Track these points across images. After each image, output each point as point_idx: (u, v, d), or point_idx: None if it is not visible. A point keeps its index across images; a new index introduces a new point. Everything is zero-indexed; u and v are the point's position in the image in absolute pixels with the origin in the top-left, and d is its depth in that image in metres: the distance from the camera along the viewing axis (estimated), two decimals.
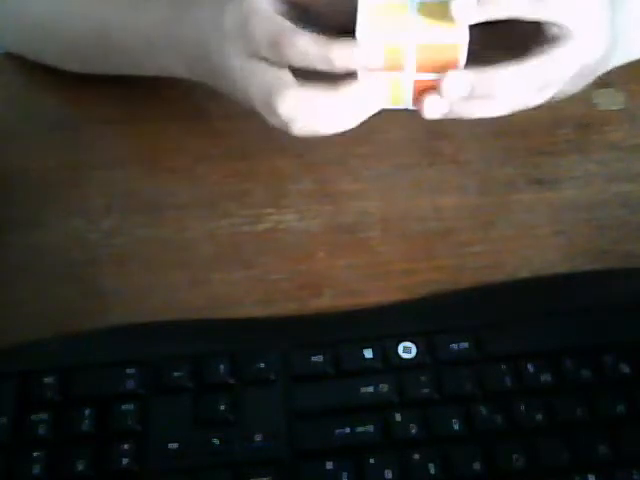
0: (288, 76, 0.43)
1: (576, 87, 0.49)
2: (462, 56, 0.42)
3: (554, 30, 0.44)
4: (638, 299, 0.47)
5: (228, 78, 0.46)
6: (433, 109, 0.43)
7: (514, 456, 0.41)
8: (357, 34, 0.42)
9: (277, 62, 0.43)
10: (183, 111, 0.54)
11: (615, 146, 0.56)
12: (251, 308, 0.48)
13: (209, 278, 0.50)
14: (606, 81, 0.51)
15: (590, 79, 0.49)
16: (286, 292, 0.49)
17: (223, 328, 0.47)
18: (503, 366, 0.44)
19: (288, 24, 0.43)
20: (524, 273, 0.50)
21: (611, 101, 0.58)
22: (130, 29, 0.52)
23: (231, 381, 0.43)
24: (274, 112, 0.43)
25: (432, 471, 0.41)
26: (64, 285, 0.49)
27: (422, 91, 0.43)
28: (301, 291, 0.49)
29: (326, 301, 0.49)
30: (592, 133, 0.53)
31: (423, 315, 0.47)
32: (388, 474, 0.40)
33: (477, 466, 0.41)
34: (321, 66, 0.42)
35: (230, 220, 0.53)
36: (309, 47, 0.42)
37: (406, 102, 0.44)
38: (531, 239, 0.52)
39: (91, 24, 0.54)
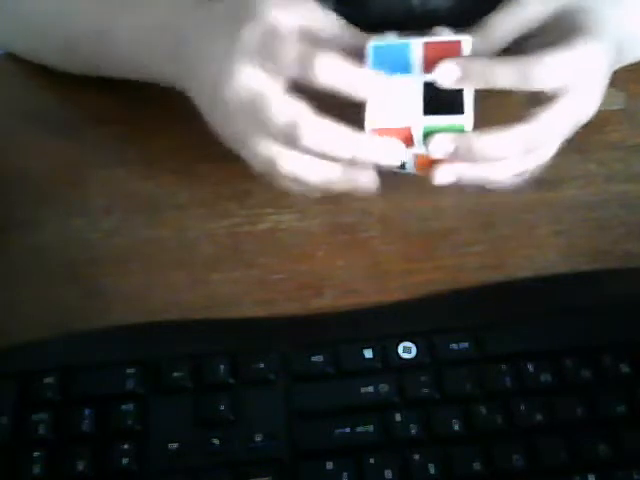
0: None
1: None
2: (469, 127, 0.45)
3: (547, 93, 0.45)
4: (638, 299, 0.47)
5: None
6: (443, 177, 0.47)
7: (514, 456, 0.41)
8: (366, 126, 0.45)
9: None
10: (183, 111, 0.54)
11: (615, 146, 0.56)
12: (251, 308, 0.48)
13: (209, 278, 0.50)
14: None
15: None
16: (286, 292, 0.49)
17: (223, 328, 0.47)
18: (503, 366, 0.44)
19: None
20: (524, 273, 0.50)
21: (611, 101, 0.58)
22: (130, 31, 0.52)
23: (231, 381, 0.43)
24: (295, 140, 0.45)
25: (432, 471, 0.41)
26: (64, 285, 0.49)
27: (424, 162, 0.47)
28: (301, 291, 0.49)
29: (326, 301, 0.49)
30: (592, 133, 0.53)
31: (423, 315, 0.47)
32: (388, 474, 0.40)
33: (477, 466, 0.41)
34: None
35: (230, 220, 0.53)
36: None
37: (409, 169, 0.48)
38: (531, 239, 0.52)
39: (91, 25, 0.53)
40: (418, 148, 0.46)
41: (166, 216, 0.53)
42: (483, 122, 0.45)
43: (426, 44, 0.45)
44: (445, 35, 0.45)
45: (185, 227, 0.52)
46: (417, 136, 0.45)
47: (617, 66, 0.51)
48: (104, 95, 0.58)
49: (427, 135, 0.45)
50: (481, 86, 0.44)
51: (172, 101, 0.55)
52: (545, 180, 0.54)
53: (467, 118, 0.44)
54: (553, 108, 0.45)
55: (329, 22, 0.46)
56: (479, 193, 0.54)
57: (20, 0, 0.57)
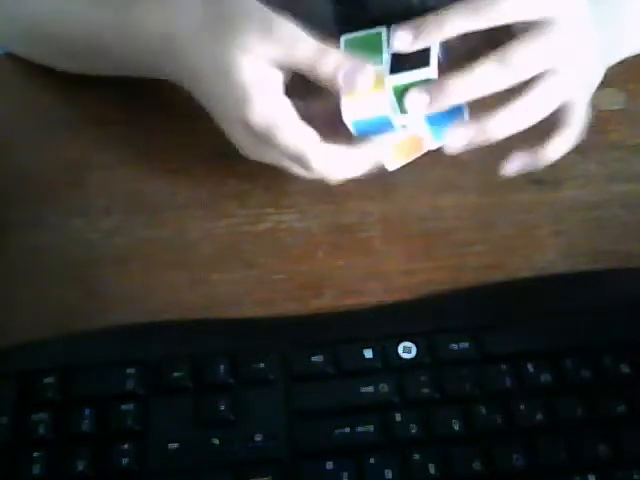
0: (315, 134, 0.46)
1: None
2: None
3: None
4: (638, 299, 0.47)
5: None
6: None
7: (514, 456, 0.41)
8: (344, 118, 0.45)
9: None
10: (183, 111, 0.54)
11: (615, 146, 0.56)
12: (251, 308, 0.48)
13: (209, 278, 0.50)
14: (606, 81, 0.50)
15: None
16: (286, 292, 0.49)
17: (223, 328, 0.47)
18: (503, 366, 0.44)
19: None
20: (524, 273, 0.50)
21: (611, 101, 0.58)
22: (129, 31, 0.51)
23: (231, 381, 0.43)
24: (305, 166, 0.46)
25: (432, 471, 0.41)
26: (64, 285, 0.49)
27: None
28: (301, 291, 0.49)
29: (326, 301, 0.49)
30: (592, 133, 0.53)
31: (423, 315, 0.47)
32: (388, 474, 0.40)
33: (477, 466, 0.41)
34: None
35: (230, 220, 0.53)
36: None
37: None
38: (531, 239, 0.52)
39: (89, 26, 0.53)
40: (396, 115, 0.46)
41: (166, 216, 0.53)
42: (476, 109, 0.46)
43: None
44: None
45: (185, 227, 0.52)
46: (392, 102, 0.45)
47: (612, 58, 0.51)
48: (104, 95, 0.58)
49: (399, 96, 0.45)
50: (439, 36, 0.44)
51: (172, 101, 0.55)
52: (545, 180, 0.54)
53: (432, 69, 0.44)
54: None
55: (309, 48, 0.45)
56: (479, 193, 0.54)
57: (20, 0, 0.57)
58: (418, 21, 0.44)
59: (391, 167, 0.48)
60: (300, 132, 0.45)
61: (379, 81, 0.45)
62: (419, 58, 0.44)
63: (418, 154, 0.49)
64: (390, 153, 0.47)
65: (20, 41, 0.59)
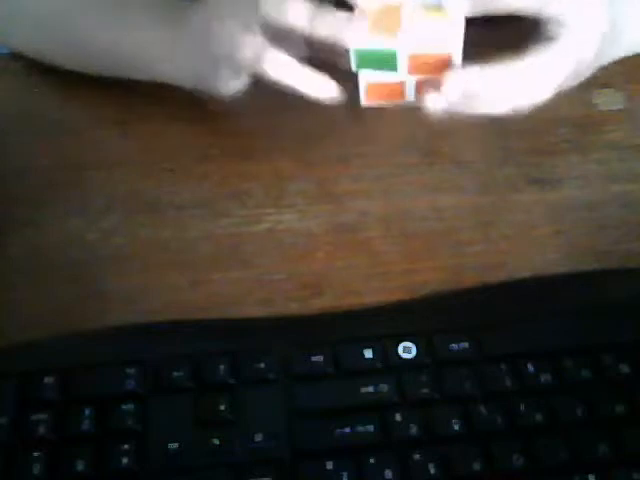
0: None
1: (573, 81, 0.49)
2: (457, 60, 0.44)
3: (550, 29, 0.44)
4: (638, 299, 0.47)
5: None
6: (434, 105, 0.45)
7: (514, 456, 0.41)
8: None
9: None
10: (183, 111, 0.54)
11: (615, 146, 0.56)
12: (251, 308, 0.48)
13: (209, 278, 0.50)
14: (606, 81, 0.51)
15: (587, 73, 0.49)
16: (286, 292, 0.49)
17: (223, 328, 0.47)
18: (503, 366, 0.44)
19: None
20: (524, 273, 0.50)
21: (611, 101, 0.58)
22: (134, 33, 0.52)
23: (231, 381, 0.43)
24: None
25: (432, 471, 0.41)
26: (64, 285, 0.49)
27: (423, 87, 0.45)
28: (301, 291, 0.49)
29: (326, 301, 0.49)
30: (592, 133, 0.53)
31: (423, 315, 0.47)
32: (388, 474, 0.40)
33: (477, 466, 0.41)
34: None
35: (230, 220, 0.53)
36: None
37: (409, 97, 0.46)
38: (531, 239, 0.52)
39: (95, 24, 0.54)
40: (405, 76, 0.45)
41: (166, 216, 0.53)
42: None
43: (412, 57, 0.44)
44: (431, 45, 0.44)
45: (185, 227, 0.52)
46: (402, 61, 0.44)
47: (615, 50, 0.51)
48: (104, 95, 0.58)
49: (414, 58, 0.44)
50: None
51: (172, 101, 0.55)
52: (545, 180, 0.54)
53: (456, 43, 0.43)
54: (561, 44, 0.45)
55: None
56: (479, 193, 0.54)
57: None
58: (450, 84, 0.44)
59: (365, 103, 0.47)
60: None
61: (397, 13, 0.43)
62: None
63: (397, 101, 0.47)
64: (368, 89, 0.46)
65: (24, 38, 0.59)
